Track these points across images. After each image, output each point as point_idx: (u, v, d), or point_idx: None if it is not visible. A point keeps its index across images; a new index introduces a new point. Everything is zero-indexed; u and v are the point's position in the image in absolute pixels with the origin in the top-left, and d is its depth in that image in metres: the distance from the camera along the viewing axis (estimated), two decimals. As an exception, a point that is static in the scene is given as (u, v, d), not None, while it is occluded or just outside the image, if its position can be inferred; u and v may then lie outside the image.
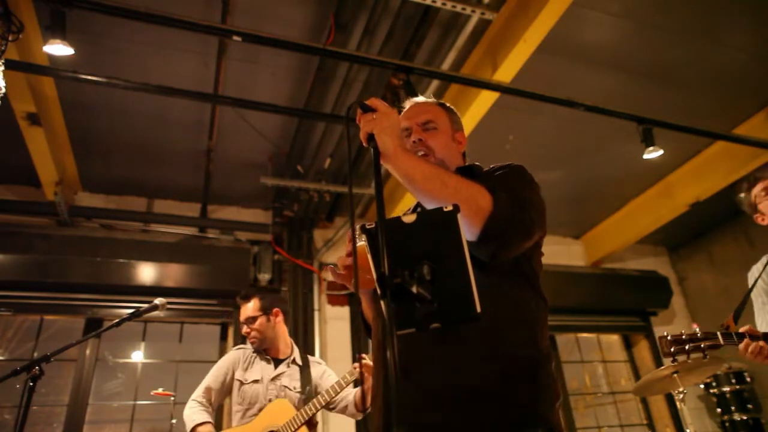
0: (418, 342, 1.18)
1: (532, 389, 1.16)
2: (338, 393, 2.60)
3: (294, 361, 2.81)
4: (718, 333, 1.99)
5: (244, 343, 2.88)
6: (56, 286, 3.95)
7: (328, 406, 2.67)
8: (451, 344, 1.17)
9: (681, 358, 2.03)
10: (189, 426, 2.57)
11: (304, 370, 2.80)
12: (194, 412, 2.60)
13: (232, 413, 2.67)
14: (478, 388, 1.13)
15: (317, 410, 2.58)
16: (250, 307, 2.81)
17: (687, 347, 1.99)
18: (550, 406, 1.17)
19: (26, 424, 1.98)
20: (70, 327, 4.54)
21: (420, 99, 1.56)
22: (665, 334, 2.07)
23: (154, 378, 4.21)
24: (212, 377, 2.73)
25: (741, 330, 1.98)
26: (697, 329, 2.03)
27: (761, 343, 1.91)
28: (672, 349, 2.01)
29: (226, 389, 2.72)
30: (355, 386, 2.67)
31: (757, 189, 2.33)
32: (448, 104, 1.57)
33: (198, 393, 2.69)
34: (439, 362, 1.18)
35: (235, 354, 2.81)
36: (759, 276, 2.27)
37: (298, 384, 2.73)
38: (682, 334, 2.03)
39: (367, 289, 1.33)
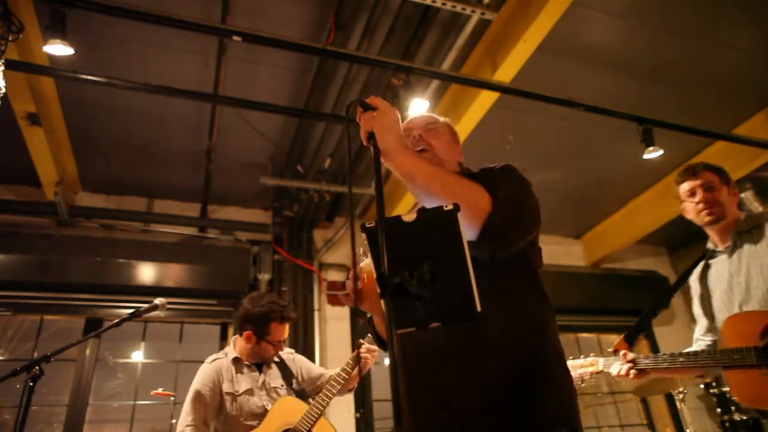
0: (430, 343, 1.19)
1: (550, 390, 1.15)
2: (346, 380, 2.58)
3: (273, 361, 2.78)
4: (600, 360, 2.12)
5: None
6: (56, 286, 3.95)
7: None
8: (462, 346, 1.16)
9: (575, 384, 2.21)
10: None
11: (281, 365, 2.77)
12: None
13: (225, 421, 2.54)
14: (492, 391, 1.12)
15: (330, 400, 2.56)
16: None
17: (578, 373, 2.11)
18: (571, 407, 1.16)
19: (26, 424, 1.98)
20: (70, 327, 4.54)
21: (430, 114, 1.60)
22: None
23: (154, 378, 4.20)
24: (205, 396, 2.51)
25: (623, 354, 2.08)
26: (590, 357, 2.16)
27: (628, 366, 2.03)
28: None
29: (217, 407, 2.53)
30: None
31: (684, 187, 2.23)
32: (452, 125, 1.61)
33: (191, 418, 2.45)
34: (451, 364, 1.17)
35: (213, 367, 2.61)
36: (686, 278, 2.31)
37: (282, 381, 2.71)
38: (578, 359, 2.17)
39: (378, 311, 1.34)
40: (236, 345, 2.72)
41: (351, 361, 2.62)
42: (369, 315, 1.53)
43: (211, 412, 2.52)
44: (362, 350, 2.60)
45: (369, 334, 1.94)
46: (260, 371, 2.70)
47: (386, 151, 1.12)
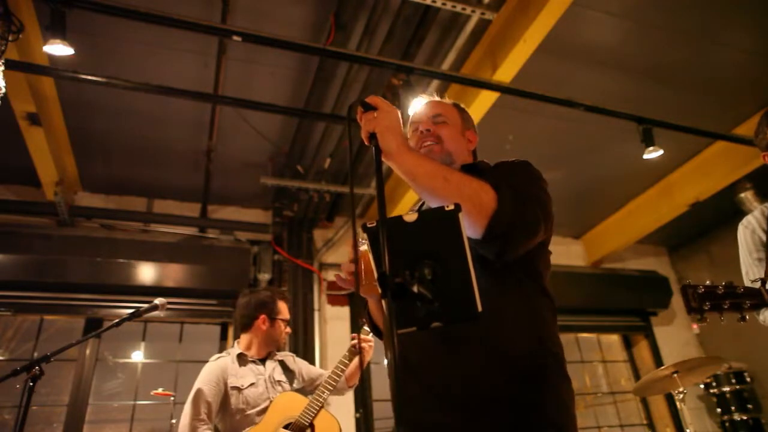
0: (428, 343, 1.18)
1: (539, 390, 1.13)
2: (344, 372, 2.66)
3: (276, 360, 2.84)
4: (763, 290, 1.53)
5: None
6: (56, 286, 3.95)
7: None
8: (459, 346, 1.16)
9: (711, 316, 1.52)
10: None
11: (282, 364, 2.84)
12: None
13: (230, 418, 2.58)
14: (486, 391, 1.12)
15: (329, 392, 2.60)
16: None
17: (724, 304, 1.50)
18: (559, 408, 1.14)
19: (26, 424, 1.98)
20: (70, 327, 4.54)
21: (435, 98, 1.58)
22: (688, 282, 1.56)
23: (154, 378, 4.20)
24: (208, 392, 2.53)
25: None
26: (735, 284, 1.55)
27: None
28: (705, 305, 1.50)
29: (221, 403, 2.56)
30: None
31: None
32: (461, 105, 1.61)
33: (198, 411, 2.48)
34: (448, 364, 1.17)
35: (218, 364, 2.65)
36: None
37: (285, 377, 2.77)
38: (717, 287, 1.52)
39: (374, 294, 1.32)
40: (243, 341, 2.80)
41: (348, 353, 2.68)
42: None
43: (214, 407, 2.55)
44: (359, 342, 2.66)
45: (364, 326, 1.92)
46: (264, 366, 2.75)
47: (388, 151, 1.12)
